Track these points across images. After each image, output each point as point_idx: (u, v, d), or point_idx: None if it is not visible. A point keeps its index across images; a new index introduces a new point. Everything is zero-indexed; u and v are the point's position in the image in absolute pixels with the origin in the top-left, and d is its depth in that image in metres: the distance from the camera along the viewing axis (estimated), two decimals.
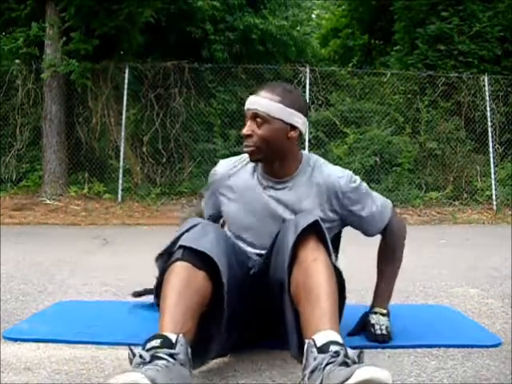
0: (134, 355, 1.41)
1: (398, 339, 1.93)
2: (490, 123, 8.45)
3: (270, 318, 1.77)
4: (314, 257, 1.60)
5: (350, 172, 1.92)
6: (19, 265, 3.55)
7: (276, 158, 1.85)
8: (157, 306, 1.64)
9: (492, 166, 8.26)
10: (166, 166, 8.42)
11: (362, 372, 1.29)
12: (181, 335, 1.45)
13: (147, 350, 1.41)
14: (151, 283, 1.75)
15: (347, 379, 1.29)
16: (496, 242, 5.21)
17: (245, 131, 1.83)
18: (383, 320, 1.95)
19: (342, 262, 1.76)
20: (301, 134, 1.87)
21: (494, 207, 7.93)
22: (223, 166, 1.97)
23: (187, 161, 8.54)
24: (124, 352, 1.54)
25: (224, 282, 1.58)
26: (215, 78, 8.82)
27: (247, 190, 1.90)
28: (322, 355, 1.39)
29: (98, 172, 8.10)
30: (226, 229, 1.98)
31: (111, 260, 3.95)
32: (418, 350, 1.86)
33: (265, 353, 1.81)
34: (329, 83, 8.93)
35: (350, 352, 1.39)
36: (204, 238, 1.64)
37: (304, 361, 1.43)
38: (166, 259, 1.67)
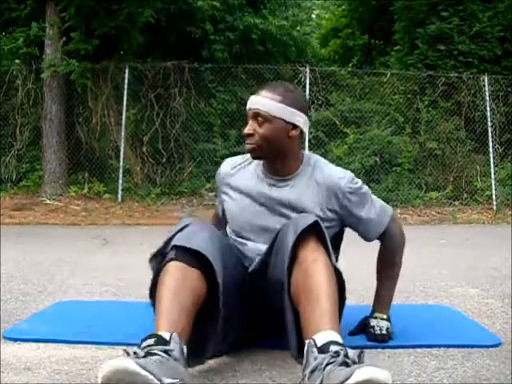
0: (129, 354, 1.41)
1: (398, 339, 1.93)
2: (490, 123, 8.44)
3: (268, 317, 1.77)
4: (313, 257, 1.61)
5: (352, 173, 1.92)
6: (19, 265, 3.55)
7: (277, 157, 1.87)
8: (152, 306, 1.64)
9: (492, 165, 8.25)
10: (166, 166, 8.41)
11: (362, 372, 1.29)
12: (175, 333, 1.46)
13: (142, 349, 1.42)
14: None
15: (347, 379, 1.29)
16: (496, 241, 5.20)
17: (246, 130, 1.85)
18: (383, 322, 1.95)
19: (342, 263, 1.76)
20: (302, 133, 1.88)
21: (494, 207, 7.93)
22: (226, 166, 2.01)
23: (187, 161, 8.54)
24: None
25: (219, 281, 1.59)
26: (215, 78, 8.81)
27: (249, 189, 1.92)
28: (323, 355, 1.39)
29: (98, 172, 8.09)
30: (227, 227, 1.99)
31: (111, 260, 3.95)
32: (418, 350, 1.86)
33: (265, 353, 1.81)
34: (329, 83, 8.92)
35: (350, 352, 1.40)
36: (197, 237, 1.65)
37: (304, 361, 1.43)
38: (159, 260, 1.67)
